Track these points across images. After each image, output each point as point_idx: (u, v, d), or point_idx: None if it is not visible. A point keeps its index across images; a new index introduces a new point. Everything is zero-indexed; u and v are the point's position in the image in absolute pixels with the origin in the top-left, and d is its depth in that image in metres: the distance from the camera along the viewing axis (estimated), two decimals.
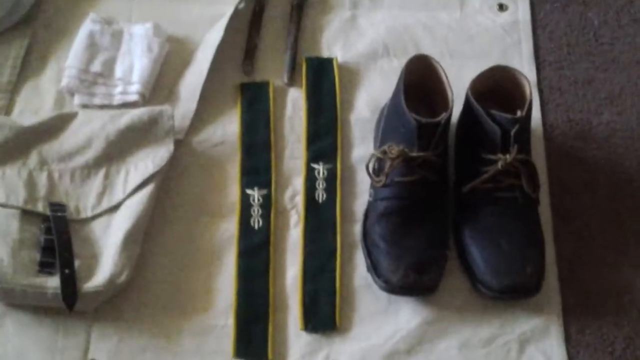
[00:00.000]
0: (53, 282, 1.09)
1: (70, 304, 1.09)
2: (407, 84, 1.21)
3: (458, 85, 1.22)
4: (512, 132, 1.15)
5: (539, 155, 1.29)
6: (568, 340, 1.15)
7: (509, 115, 1.16)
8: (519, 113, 1.18)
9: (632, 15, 1.48)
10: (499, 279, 1.13)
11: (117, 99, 1.32)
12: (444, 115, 1.17)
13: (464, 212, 1.21)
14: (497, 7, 1.48)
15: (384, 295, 1.17)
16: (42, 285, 1.09)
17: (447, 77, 1.22)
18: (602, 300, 1.19)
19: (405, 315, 1.16)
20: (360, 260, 1.20)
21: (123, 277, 1.11)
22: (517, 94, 1.21)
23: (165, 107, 1.25)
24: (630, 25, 1.47)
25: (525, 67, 1.39)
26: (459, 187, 1.21)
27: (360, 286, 1.18)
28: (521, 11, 1.48)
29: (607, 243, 1.24)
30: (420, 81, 1.24)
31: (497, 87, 1.23)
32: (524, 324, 1.16)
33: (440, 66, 1.23)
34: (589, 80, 1.40)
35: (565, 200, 1.27)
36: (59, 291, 1.08)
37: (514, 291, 1.14)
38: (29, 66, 1.37)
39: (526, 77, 1.21)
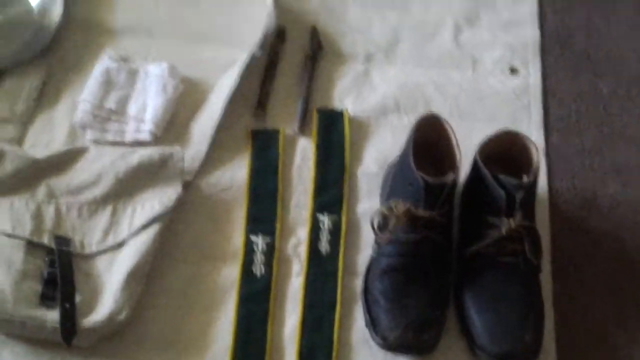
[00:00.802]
0: (53, 316, 1.09)
1: (69, 338, 1.09)
2: (416, 142, 1.22)
3: (466, 146, 1.23)
4: (518, 198, 1.15)
5: (543, 221, 1.30)
6: None
7: (515, 180, 1.17)
8: (525, 178, 1.19)
9: None
10: (497, 344, 1.13)
11: (129, 137, 1.33)
12: (451, 176, 1.18)
13: (465, 274, 1.21)
14: (509, 70, 1.50)
15: (381, 352, 1.16)
16: (41, 318, 1.09)
17: (456, 138, 1.23)
18: None
19: None
20: (359, 315, 1.20)
21: (123, 315, 1.12)
22: (524, 159, 1.22)
23: (176, 149, 1.26)
24: None
25: (534, 132, 1.40)
26: (462, 249, 1.21)
27: (358, 341, 1.18)
28: (532, 76, 1.49)
29: (607, 314, 1.24)
30: (429, 140, 1.25)
31: (505, 151, 1.24)
32: None
33: (450, 126, 1.24)
34: (596, 150, 1.41)
35: (567, 268, 1.27)
36: (58, 325, 1.08)
37: (511, 358, 1.14)
38: (43, 99, 1.38)
39: (534, 144, 1.22)
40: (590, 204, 1.35)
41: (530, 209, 1.21)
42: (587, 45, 1.54)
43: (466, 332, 1.18)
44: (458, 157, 1.21)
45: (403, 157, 1.24)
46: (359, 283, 1.23)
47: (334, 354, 1.16)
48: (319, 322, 1.19)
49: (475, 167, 1.23)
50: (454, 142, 1.23)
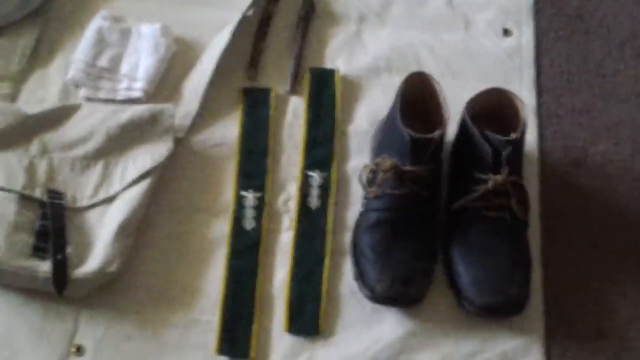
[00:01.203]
0: (45, 267, 1.11)
1: (60, 288, 1.11)
2: (404, 99, 1.23)
3: (458, 105, 1.24)
4: (504, 154, 1.16)
5: (532, 179, 1.31)
6: None
7: (501, 137, 1.18)
8: (512, 135, 1.20)
9: (635, 49, 1.50)
10: (483, 296, 1.15)
11: (121, 94, 1.34)
12: (437, 132, 1.19)
13: (453, 228, 1.22)
14: (502, 31, 1.50)
15: (368, 304, 1.18)
16: (33, 268, 1.11)
17: (444, 95, 1.23)
18: (585, 326, 1.20)
19: (389, 326, 1.17)
20: (347, 269, 1.22)
21: (114, 267, 1.13)
22: (512, 117, 1.23)
23: (167, 105, 1.27)
24: (633, 58, 1.49)
25: (525, 92, 1.41)
26: (450, 205, 1.23)
27: (346, 294, 1.20)
28: (525, 37, 1.50)
29: (594, 269, 1.25)
30: (418, 98, 1.26)
31: (493, 108, 1.25)
32: (506, 343, 1.17)
33: (438, 84, 1.25)
34: (588, 109, 1.42)
35: (556, 224, 1.29)
36: (49, 275, 1.11)
37: (496, 309, 1.15)
38: (37, 57, 1.40)
39: (522, 101, 1.22)
40: (581, 162, 1.36)
41: (517, 166, 1.22)
42: (580, 7, 1.55)
43: (453, 285, 1.19)
44: (446, 114, 1.22)
45: (391, 113, 1.25)
46: (347, 238, 1.24)
47: (322, 305, 1.18)
48: (308, 275, 1.21)
49: (463, 124, 1.24)
50: (441, 99, 1.24)
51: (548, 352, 1.18)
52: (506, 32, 1.50)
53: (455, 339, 1.17)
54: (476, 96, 1.24)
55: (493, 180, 1.17)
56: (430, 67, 1.42)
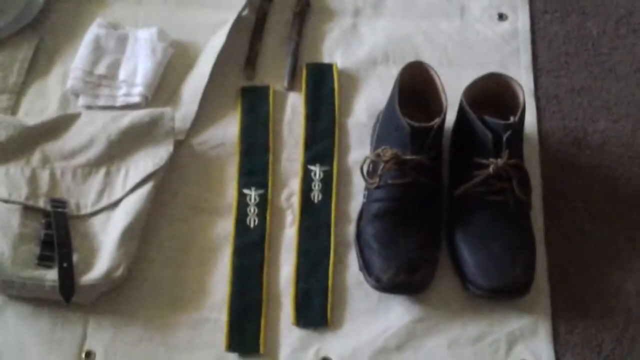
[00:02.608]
0: (51, 275, 1.12)
1: (68, 296, 1.12)
2: (402, 89, 1.24)
3: (456, 93, 1.24)
4: (504, 137, 1.17)
5: (533, 161, 1.31)
6: (556, 340, 1.17)
7: (501, 121, 1.18)
8: (512, 119, 1.20)
9: (631, 26, 1.50)
10: (488, 279, 1.15)
11: (120, 101, 1.35)
12: (436, 121, 1.19)
13: (456, 214, 1.22)
14: (497, 16, 1.50)
15: (375, 293, 1.19)
16: (40, 278, 1.12)
17: (441, 83, 1.24)
18: (591, 303, 1.21)
19: (396, 313, 1.18)
20: (352, 260, 1.23)
21: (120, 272, 1.14)
22: (510, 100, 1.24)
23: (167, 109, 1.28)
24: (629, 35, 1.49)
25: (523, 75, 1.41)
26: (452, 191, 1.23)
27: (352, 284, 1.21)
28: (521, 21, 1.50)
29: (598, 248, 1.26)
30: (416, 87, 1.27)
31: (491, 94, 1.26)
32: (513, 323, 1.17)
33: (435, 72, 1.25)
34: (586, 88, 1.42)
35: (558, 205, 1.29)
36: (56, 284, 1.11)
37: (502, 291, 1.16)
38: (35, 68, 1.41)
39: (519, 84, 1.23)
40: (581, 141, 1.36)
41: (518, 149, 1.22)
42: None
43: (459, 270, 1.20)
44: (444, 101, 1.22)
45: (389, 104, 1.25)
46: (351, 229, 1.25)
47: (329, 297, 1.19)
48: (314, 268, 1.21)
49: (461, 111, 1.25)
50: (439, 87, 1.24)
51: (556, 330, 1.18)
52: (501, 17, 1.50)
53: (463, 323, 1.18)
54: (474, 82, 1.25)
55: (494, 164, 1.17)
56: (428, 56, 1.43)
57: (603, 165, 1.33)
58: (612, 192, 1.31)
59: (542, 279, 1.21)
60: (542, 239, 1.24)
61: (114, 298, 1.18)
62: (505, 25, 1.49)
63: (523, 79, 1.39)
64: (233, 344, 1.15)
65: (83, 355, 1.14)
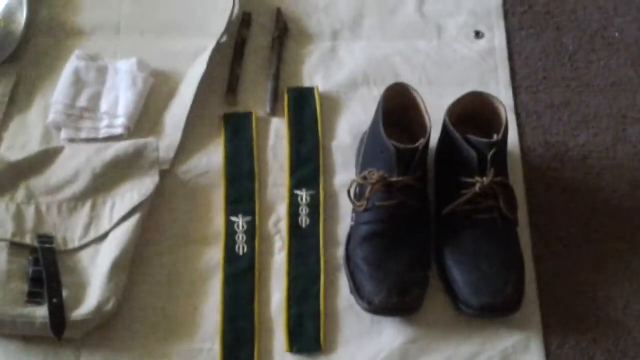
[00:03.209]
0: (41, 312, 1.11)
1: (59, 332, 1.10)
2: (385, 111, 1.24)
3: (437, 112, 1.25)
4: (489, 156, 1.18)
5: (517, 177, 1.32)
6: (548, 355, 1.17)
7: (485, 140, 1.19)
8: (495, 137, 1.21)
9: (606, 39, 1.52)
10: (479, 297, 1.16)
11: (103, 133, 1.34)
12: (422, 142, 1.20)
13: (444, 234, 1.23)
14: (474, 34, 1.51)
15: (367, 316, 1.19)
16: (30, 315, 1.11)
17: (424, 104, 1.24)
18: (582, 316, 1.21)
19: (389, 335, 1.18)
20: (343, 283, 1.22)
21: (110, 305, 1.13)
22: (493, 118, 1.24)
23: (150, 140, 1.28)
24: (605, 49, 1.51)
25: (502, 93, 1.42)
26: (439, 210, 1.23)
27: (344, 308, 1.21)
28: (497, 38, 1.51)
29: (585, 261, 1.27)
30: (399, 108, 1.27)
31: (473, 112, 1.26)
32: (506, 340, 1.18)
33: (418, 93, 1.26)
34: (565, 103, 1.43)
35: (544, 220, 1.30)
36: (47, 320, 1.10)
37: (494, 309, 1.16)
38: (16, 103, 1.40)
39: (501, 102, 1.24)
40: (563, 156, 1.37)
41: (503, 166, 1.23)
42: (548, 3, 1.56)
43: (449, 290, 1.20)
44: (428, 122, 1.23)
45: (374, 127, 1.25)
46: (341, 253, 1.25)
47: (321, 322, 1.19)
48: (305, 294, 1.21)
49: (445, 130, 1.25)
50: (422, 108, 1.25)
51: (547, 346, 1.19)
52: (478, 35, 1.51)
53: (456, 342, 1.18)
54: (456, 102, 1.26)
55: (480, 183, 1.18)
56: (407, 77, 1.43)
57: (586, 179, 1.35)
58: (597, 205, 1.32)
59: (532, 294, 1.22)
60: (529, 255, 1.25)
61: (105, 332, 1.17)
62: (482, 43, 1.50)
63: (503, 96, 1.40)
64: None
65: None
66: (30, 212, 1.21)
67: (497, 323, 1.19)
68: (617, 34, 1.53)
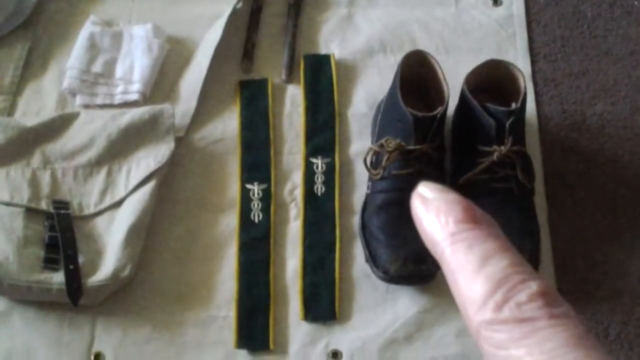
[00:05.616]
0: (58, 278, 1.12)
1: (75, 298, 1.11)
2: (403, 79, 1.23)
3: (454, 80, 1.24)
4: (507, 124, 1.17)
5: (534, 146, 1.31)
6: None
7: (503, 108, 1.18)
8: (513, 105, 1.20)
9: (625, 7, 1.50)
10: None
11: (118, 99, 1.34)
12: (439, 109, 1.19)
13: None
14: (492, 1, 1.50)
15: (382, 285, 1.19)
16: (47, 281, 1.11)
17: (442, 72, 1.23)
18: (597, 287, 1.21)
19: (404, 304, 1.18)
20: (358, 252, 1.22)
21: (126, 272, 1.14)
22: (511, 86, 1.23)
23: (166, 106, 1.27)
24: (623, 17, 1.49)
25: (520, 60, 1.41)
26: (456, 179, 1.23)
27: (359, 277, 1.21)
28: (515, 5, 1.49)
29: (601, 231, 1.26)
30: (416, 76, 1.26)
31: (491, 80, 1.25)
32: None
33: (436, 61, 1.25)
34: (583, 72, 1.42)
35: (560, 189, 1.29)
36: (63, 286, 1.11)
37: None
38: (30, 68, 1.39)
39: (520, 70, 1.22)
40: (580, 125, 1.36)
41: (520, 135, 1.22)
42: None
43: None
44: (446, 90, 1.22)
45: (391, 94, 1.25)
46: (356, 221, 1.25)
47: (336, 291, 1.19)
48: (320, 262, 1.21)
49: (463, 99, 1.24)
50: (440, 75, 1.24)
51: None
52: (496, 2, 1.50)
53: None
54: (474, 70, 1.24)
55: (498, 151, 1.17)
56: (424, 44, 1.42)
57: (603, 148, 1.34)
58: (612, 174, 1.31)
59: (547, 264, 1.21)
60: (545, 224, 1.24)
61: (121, 299, 1.18)
62: (500, 10, 1.49)
63: (520, 64, 1.38)
64: (242, 341, 1.15)
65: (92, 357, 1.14)
66: (45, 178, 1.21)
67: None
68: (636, 2, 1.51)
